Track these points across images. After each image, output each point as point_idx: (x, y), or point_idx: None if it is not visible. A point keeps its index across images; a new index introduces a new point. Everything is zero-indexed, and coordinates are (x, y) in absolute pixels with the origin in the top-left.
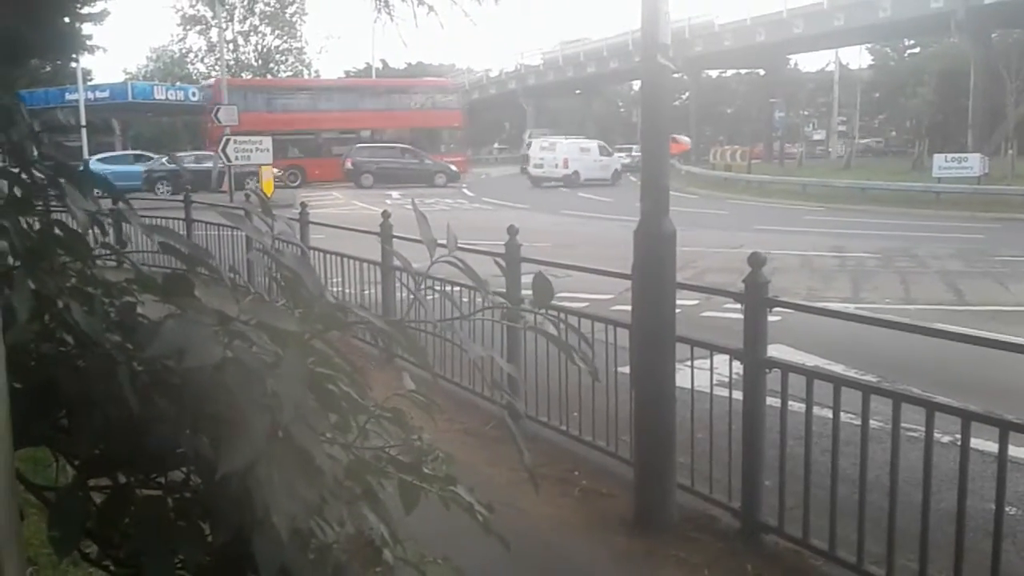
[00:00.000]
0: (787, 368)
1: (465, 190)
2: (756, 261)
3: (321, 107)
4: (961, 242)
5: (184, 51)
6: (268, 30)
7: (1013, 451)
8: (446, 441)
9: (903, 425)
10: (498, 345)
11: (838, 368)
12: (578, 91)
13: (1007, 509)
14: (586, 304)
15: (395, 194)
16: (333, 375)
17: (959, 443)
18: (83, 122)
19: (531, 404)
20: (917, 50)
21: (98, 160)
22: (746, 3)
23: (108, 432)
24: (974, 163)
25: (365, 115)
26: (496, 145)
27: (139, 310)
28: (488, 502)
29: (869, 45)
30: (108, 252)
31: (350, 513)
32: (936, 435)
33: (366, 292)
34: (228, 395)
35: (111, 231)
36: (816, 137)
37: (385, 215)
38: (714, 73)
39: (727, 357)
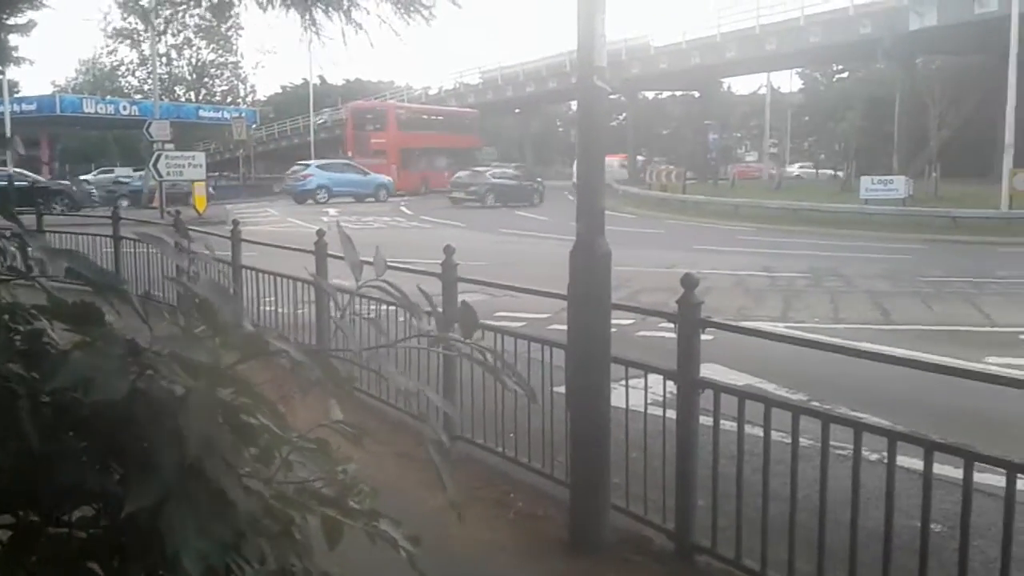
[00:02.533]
0: (719, 388)
1: (403, 208)
2: (689, 282)
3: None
4: (888, 262)
5: (115, 64)
6: (203, 44)
7: (939, 469)
8: (381, 465)
9: (833, 444)
10: (435, 365)
11: (770, 387)
12: (517, 110)
13: (934, 527)
14: (524, 323)
15: (332, 211)
16: (252, 405)
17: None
18: (8, 134)
19: (467, 425)
20: (845, 75)
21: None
22: (681, 26)
23: (8, 468)
24: (899, 185)
25: (452, 137)
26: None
27: (54, 336)
28: (415, 535)
29: (800, 70)
30: (13, 276)
31: (272, 550)
32: (865, 454)
33: (300, 311)
34: (137, 429)
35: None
36: (749, 159)
37: (320, 233)
38: (651, 94)
39: (661, 377)
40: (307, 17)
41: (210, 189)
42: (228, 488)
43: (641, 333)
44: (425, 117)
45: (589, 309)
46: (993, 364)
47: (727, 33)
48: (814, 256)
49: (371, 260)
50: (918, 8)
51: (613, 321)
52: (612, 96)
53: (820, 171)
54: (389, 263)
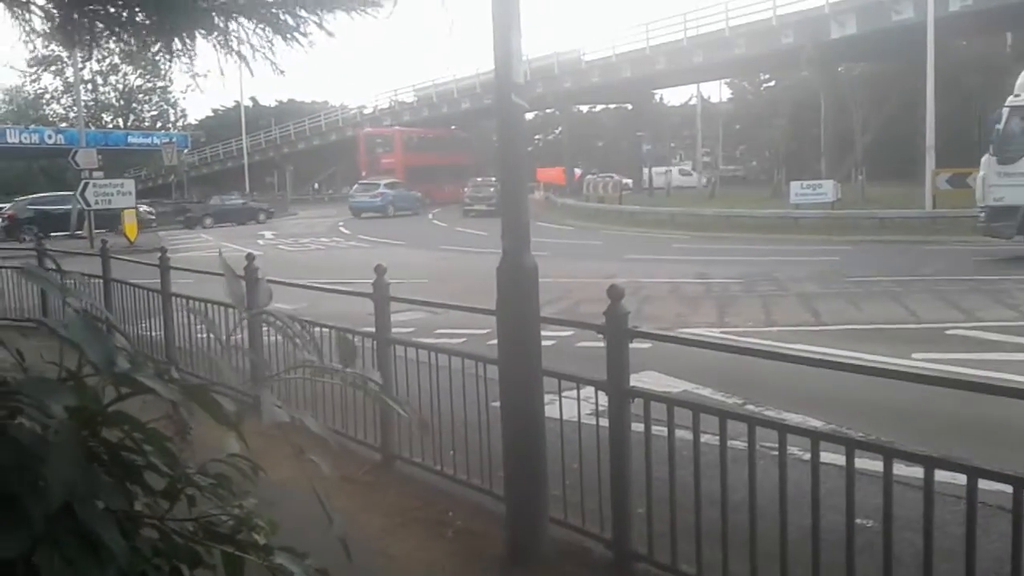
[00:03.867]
0: (649, 397)
1: (342, 228)
2: (615, 294)
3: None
4: (818, 265)
5: (39, 92)
6: (130, 69)
7: (870, 465)
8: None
9: (767, 445)
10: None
11: (706, 391)
12: (453, 127)
13: (866, 522)
14: (464, 339)
15: (268, 234)
16: (138, 443)
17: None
18: None
19: (404, 445)
20: (772, 83)
21: None
22: (612, 40)
23: None
24: (827, 189)
25: (448, 155)
26: (363, 179)
27: None
28: (322, 567)
29: (728, 80)
30: None
31: None
32: (799, 454)
33: (234, 338)
34: (3, 475)
35: None
36: (683, 168)
37: (249, 258)
38: (585, 108)
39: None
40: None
41: (150, 215)
42: (103, 532)
43: (580, 344)
44: (425, 138)
45: (518, 324)
46: (919, 359)
47: (656, 46)
48: (747, 261)
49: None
50: (838, 17)
51: (553, 334)
52: (548, 111)
53: (749, 177)
54: (318, 285)
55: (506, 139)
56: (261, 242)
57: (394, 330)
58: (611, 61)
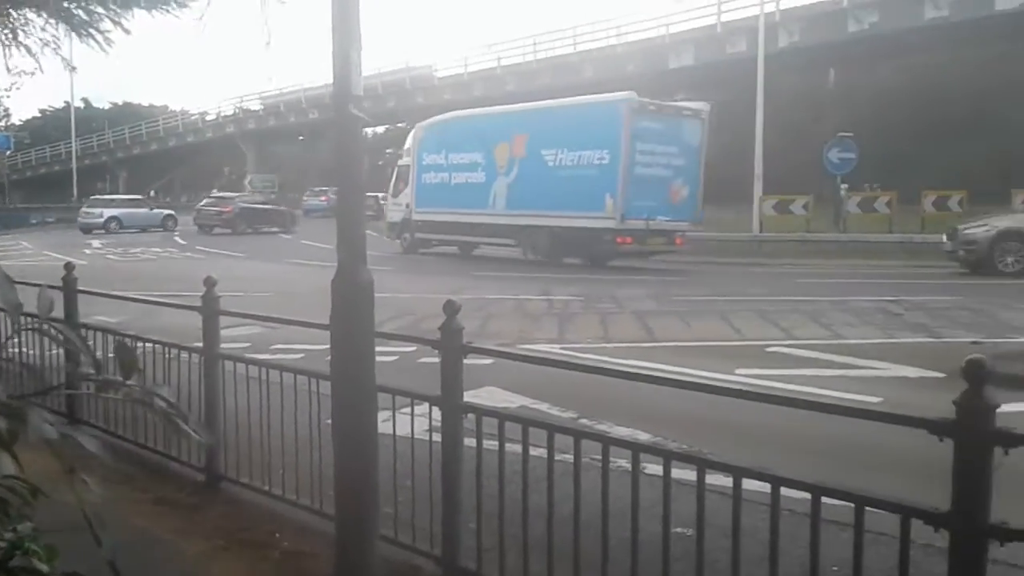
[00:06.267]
0: (481, 412)
1: (177, 238)
2: (450, 309)
3: None
4: (656, 284)
5: None
6: None
7: (689, 476)
8: (138, 512)
9: (596, 458)
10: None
11: (543, 406)
12: (301, 137)
13: (685, 531)
14: (302, 355)
15: (96, 243)
16: None
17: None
18: None
19: (231, 465)
20: None
21: None
22: (464, 58)
23: None
24: None
25: None
26: (215, 191)
27: None
28: None
29: None
30: None
31: None
32: (626, 466)
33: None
34: None
35: None
36: None
37: (68, 267)
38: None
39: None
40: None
41: None
42: None
43: (423, 360)
44: None
45: (352, 339)
46: (742, 375)
47: (507, 66)
48: (590, 280)
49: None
50: (676, 48)
51: (396, 349)
52: (400, 124)
53: None
54: (145, 297)
55: (343, 151)
56: (88, 251)
57: (229, 345)
58: (463, 79)
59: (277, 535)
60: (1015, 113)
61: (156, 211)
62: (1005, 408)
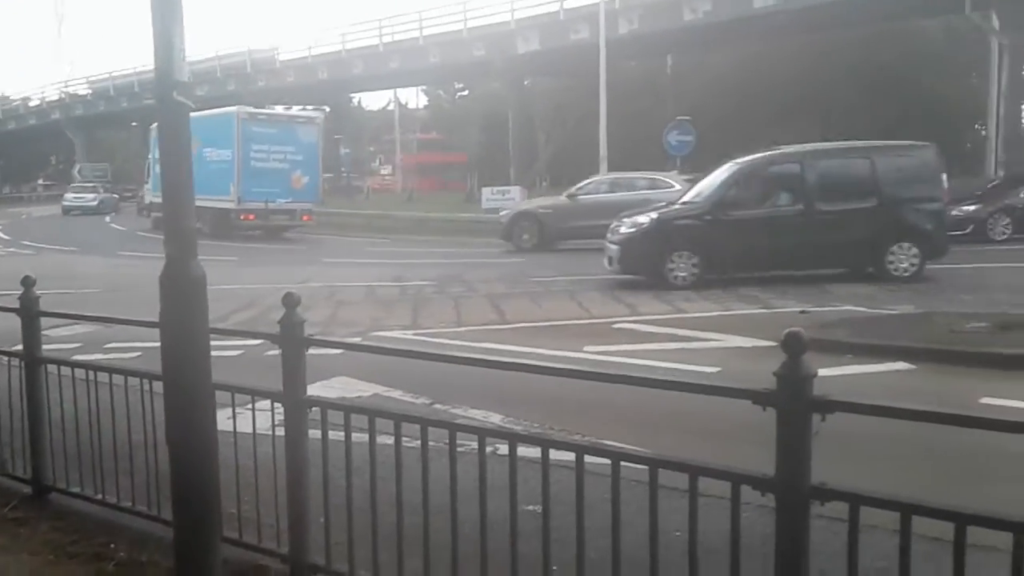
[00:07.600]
0: (325, 405)
1: (0, 233)
2: (290, 302)
3: None
4: (505, 267)
5: None
6: None
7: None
8: None
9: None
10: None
11: (396, 394)
12: (134, 123)
13: (535, 508)
14: (139, 353)
15: None
16: None
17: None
18: None
19: (60, 475)
20: (467, 93)
21: None
22: (308, 41)
23: None
24: (515, 195)
25: None
26: (41, 181)
27: None
28: None
29: (424, 88)
30: None
31: None
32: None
33: None
34: None
35: None
36: (384, 172)
37: None
38: (279, 108)
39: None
40: None
41: None
42: None
43: (270, 353)
44: None
45: (184, 336)
46: (590, 351)
47: (352, 50)
48: (441, 264)
49: None
50: (523, 33)
51: (241, 343)
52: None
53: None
54: None
55: (169, 139)
56: None
57: (58, 346)
58: (307, 62)
59: (112, 545)
60: (835, 97)
61: None
62: (826, 372)
